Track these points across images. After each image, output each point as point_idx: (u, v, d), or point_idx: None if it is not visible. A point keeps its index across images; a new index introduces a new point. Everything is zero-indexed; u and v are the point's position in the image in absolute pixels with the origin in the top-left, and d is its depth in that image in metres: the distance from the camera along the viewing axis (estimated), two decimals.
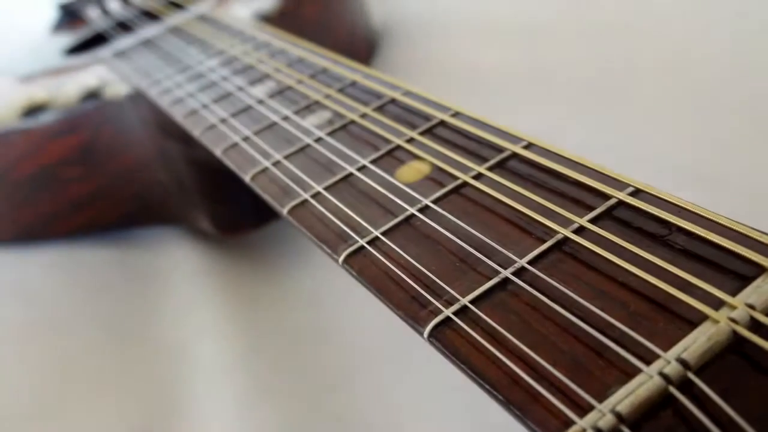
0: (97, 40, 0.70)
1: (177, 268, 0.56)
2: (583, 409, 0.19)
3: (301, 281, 0.52)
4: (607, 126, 0.55)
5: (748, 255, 0.21)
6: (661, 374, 0.19)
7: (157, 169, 0.56)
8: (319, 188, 0.33)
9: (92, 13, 0.77)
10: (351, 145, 0.35)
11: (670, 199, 0.25)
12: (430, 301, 0.24)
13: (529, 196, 0.27)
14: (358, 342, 0.45)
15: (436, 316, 0.23)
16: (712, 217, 0.23)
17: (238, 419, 0.42)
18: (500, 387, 0.21)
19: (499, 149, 0.31)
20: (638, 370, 0.19)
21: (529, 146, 0.30)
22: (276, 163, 0.36)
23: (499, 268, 0.24)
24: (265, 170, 0.36)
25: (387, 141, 0.34)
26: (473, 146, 0.32)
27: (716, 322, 0.20)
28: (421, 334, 0.23)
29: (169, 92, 0.49)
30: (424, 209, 0.29)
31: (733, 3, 0.65)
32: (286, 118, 0.40)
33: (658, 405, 0.19)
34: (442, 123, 0.34)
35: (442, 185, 0.30)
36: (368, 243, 0.28)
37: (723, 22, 0.63)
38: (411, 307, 0.24)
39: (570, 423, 0.19)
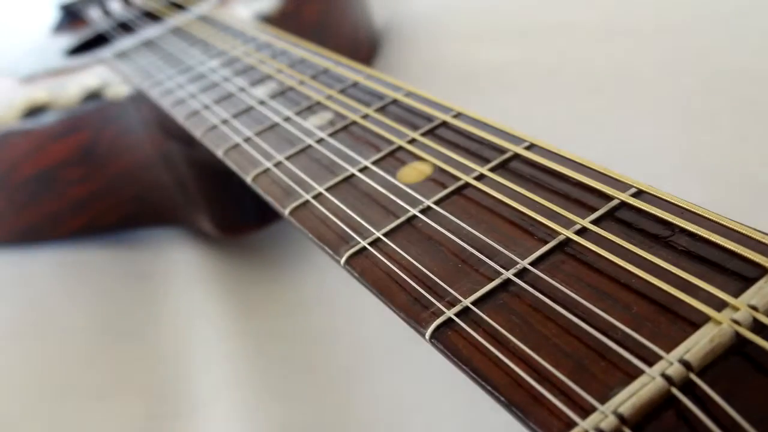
0: (98, 41, 0.70)
1: (178, 269, 0.56)
2: (585, 411, 0.19)
3: (303, 282, 0.52)
4: (608, 126, 0.55)
5: (751, 256, 0.21)
6: (664, 375, 0.19)
7: (159, 170, 0.56)
8: (321, 189, 0.33)
9: (93, 13, 0.77)
10: (353, 146, 0.35)
11: (672, 200, 0.25)
12: (432, 303, 0.24)
13: (531, 197, 0.27)
14: (359, 343, 0.45)
15: (438, 317, 0.23)
16: (714, 218, 0.23)
17: (239, 420, 0.42)
18: (502, 388, 0.21)
19: (501, 150, 0.31)
20: (640, 372, 0.19)
21: (531, 147, 0.30)
22: (277, 164, 0.36)
23: (501, 270, 0.24)
24: (266, 171, 0.36)
25: (389, 142, 0.34)
26: (475, 147, 0.32)
27: (719, 323, 0.20)
28: (423, 335, 0.23)
29: (171, 93, 0.49)
30: (425, 210, 0.29)
31: (734, 3, 0.65)
32: (287, 119, 0.40)
33: (661, 406, 0.18)
34: (444, 124, 0.34)
35: (444, 186, 0.30)
36: (370, 244, 0.28)
37: (723, 22, 0.63)
38: (413, 309, 0.24)
39: (572, 424, 0.19)
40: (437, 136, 0.34)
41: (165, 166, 0.55)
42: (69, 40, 0.72)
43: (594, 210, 0.26)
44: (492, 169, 0.30)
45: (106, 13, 0.76)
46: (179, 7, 0.69)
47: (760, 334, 0.19)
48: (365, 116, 0.37)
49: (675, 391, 0.19)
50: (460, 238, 0.27)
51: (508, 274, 0.24)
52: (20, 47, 0.76)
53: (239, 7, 0.65)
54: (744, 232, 0.22)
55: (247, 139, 0.39)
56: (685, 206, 0.24)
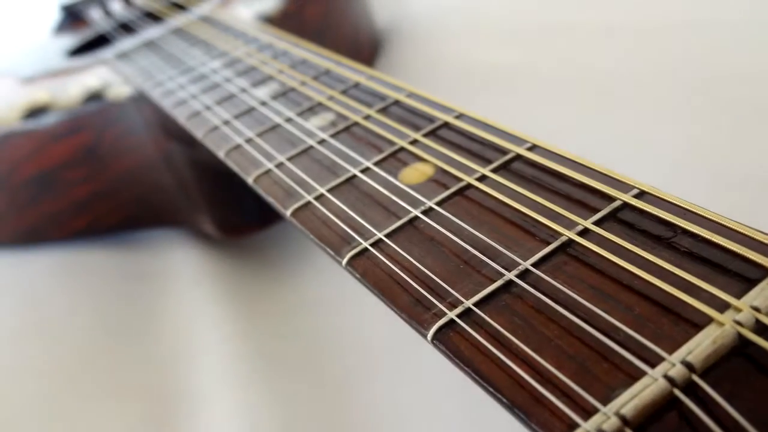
0: (99, 42, 0.70)
1: (180, 270, 0.56)
2: (587, 412, 0.19)
3: (304, 283, 0.52)
4: (610, 127, 0.55)
5: (754, 257, 0.21)
6: (666, 377, 0.19)
7: (160, 170, 0.56)
8: (323, 190, 0.33)
9: (95, 14, 0.77)
10: (354, 147, 0.35)
11: (674, 201, 0.25)
12: (434, 304, 0.24)
13: (533, 198, 0.27)
14: (360, 344, 0.45)
15: (439, 318, 0.23)
16: (717, 219, 0.23)
17: (239, 420, 0.42)
18: (504, 390, 0.21)
19: (503, 151, 0.31)
20: (643, 373, 0.19)
21: (533, 148, 0.30)
22: (279, 165, 0.36)
23: (503, 271, 0.24)
24: (268, 172, 0.36)
25: (390, 143, 0.34)
26: (477, 148, 0.32)
27: (721, 324, 0.20)
28: (425, 336, 0.23)
29: (172, 94, 0.49)
30: (427, 211, 0.29)
31: (734, 3, 0.65)
32: (289, 120, 0.40)
33: (663, 408, 0.18)
34: (446, 125, 0.34)
35: (445, 187, 0.30)
36: (372, 245, 0.28)
37: (723, 21, 0.63)
38: (415, 310, 0.24)
39: (574, 426, 0.19)
40: (439, 137, 0.34)
41: (166, 167, 0.55)
42: (70, 40, 0.72)
43: (596, 211, 0.26)
44: (494, 170, 0.30)
45: (108, 13, 0.76)
46: (180, 7, 0.69)
47: (762, 335, 0.19)
48: (367, 117, 0.37)
49: (677, 392, 0.18)
50: (461, 239, 0.27)
51: (510, 275, 0.24)
52: (21, 48, 0.76)
53: (240, 7, 0.65)
54: (746, 233, 0.22)
55: (249, 140, 0.39)
56: (687, 207, 0.24)
